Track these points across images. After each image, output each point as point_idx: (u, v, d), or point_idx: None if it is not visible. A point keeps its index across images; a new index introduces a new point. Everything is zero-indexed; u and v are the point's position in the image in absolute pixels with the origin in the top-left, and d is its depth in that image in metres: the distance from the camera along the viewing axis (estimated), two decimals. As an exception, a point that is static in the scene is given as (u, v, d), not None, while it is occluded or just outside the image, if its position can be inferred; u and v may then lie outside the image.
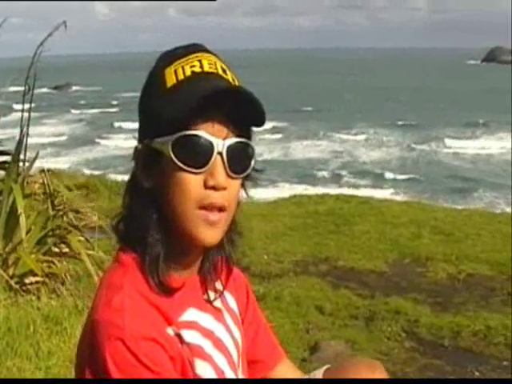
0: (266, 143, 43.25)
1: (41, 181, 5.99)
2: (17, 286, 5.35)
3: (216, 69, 1.29)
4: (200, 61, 1.28)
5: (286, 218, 9.49)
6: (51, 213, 5.78)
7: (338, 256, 7.68)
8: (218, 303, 1.48)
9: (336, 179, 32.46)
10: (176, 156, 1.24)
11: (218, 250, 1.45)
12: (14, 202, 5.53)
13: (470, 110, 53.54)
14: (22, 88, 5.79)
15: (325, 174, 34.04)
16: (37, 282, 5.42)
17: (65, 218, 5.85)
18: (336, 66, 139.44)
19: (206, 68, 1.27)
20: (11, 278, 5.42)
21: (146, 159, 1.28)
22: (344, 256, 7.68)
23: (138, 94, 1.33)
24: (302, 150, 41.92)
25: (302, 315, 6.18)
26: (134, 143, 1.32)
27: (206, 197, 1.27)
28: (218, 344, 1.41)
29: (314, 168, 35.69)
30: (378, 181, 31.46)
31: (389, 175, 32.84)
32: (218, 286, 1.51)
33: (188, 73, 1.26)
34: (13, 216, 5.57)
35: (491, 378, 4.79)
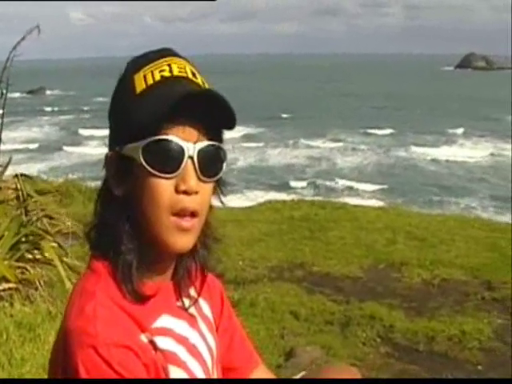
0: (241, 149, 43.31)
1: (14, 186, 5.94)
2: (-10, 293, 5.29)
3: (185, 72, 1.27)
4: (169, 65, 1.27)
5: (261, 223, 9.48)
6: (24, 219, 5.72)
7: (313, 262, 7.68)
8: (192, 310, 1.47)
9: (312, 186, 32.55)
10: (147, 161, 1.22)
11: (192, 255, 1.43)
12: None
13: (446, 116, 54.05)
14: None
15: (301, 181, 34.10)
16: (10, 289, 5.35)
17: (38, 224, 5.80)
18: (312, 71, 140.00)
19: (176, 72, 1.26)
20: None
21: (117, 166, 1.27)
22: (319, 262, 7.68)
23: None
24: (278, 156, 41.99)
25: (276, 321, 6.17)
26: (104, 150, 1.31)
27: (178, 202, 1.25)
28: (193, 351, 1.40)
29: (291, 175, 35.75)
30: (354, 187, 31.61)
31: (365, 181, 33.00)
32: (192, 292, 1.50)
33: (157, 77, 1.25)
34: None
35: (491, 378, 4.82)
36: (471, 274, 7.16)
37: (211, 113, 1.25)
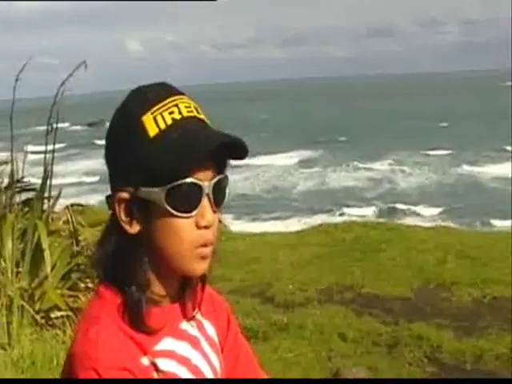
0: (299, 174, 43.35)
1: (65, 217, 6.16)
2: (42, 321, 5.50)
3: (192, 111, 1.34)
4: (177, 105, 1.33)
5: (313, 247, 9.54)
6: (75, 248, 5.93)
7: (363, 283, 7.70)
8: (195, 332, 1.51)
9: (373, 208, 32.20)
10: (169, 204, 1.28)
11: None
12: (39, 238, 5.70)
13: (507, 133, 52.91)
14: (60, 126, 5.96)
15: (362, 203, 33.79)
16: (62, 317, 5.54)
17: (89, 253, 5.98)
18: (368, 93, 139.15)
19: (185, 113, 1.32)
20: (37, 313, 5.57)
21: (131, 207, 1.32)
22: (369, 283, 7.69)
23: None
24: (337, 179, 41.77)
25: (324, 343, 6.22)
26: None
27: (200, 237, 1.31)
28: (195, 371, 1.45)
29: (351, 198, 35.49)
30: (416, 209, 31.14)
31: (427, 202, 32.51)
32: (196, 315, 1.57)
33: (169, 121, 1.30)
34: (38, 252, 5.74)
35: (491, 378, 4.78)
36: (522, 292, 7.07)
37: (226, 152, 1.33)
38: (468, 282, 7.47)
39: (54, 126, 6.01)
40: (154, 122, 1.30)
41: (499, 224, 24.31)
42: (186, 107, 1.34)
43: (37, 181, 6.24)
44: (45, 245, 5.53)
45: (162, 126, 1.30)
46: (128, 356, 1.29)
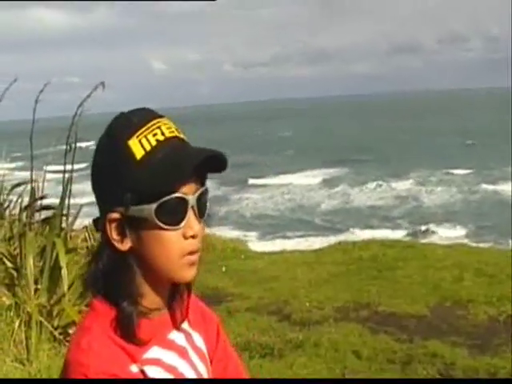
0: (324, 192, 43.27)
1: (83, 236, 6.28)
2: (60, 337, 5.61)
3: (174, 131, 1.44)
4: (159, 127, 1.42)
5: (330, 265, 9.59)
6: (93, 266, 6.02)
7: (379, 301, 7.73)
8: (182, 342, 1.59)
9: (398, 227, 31.95)
10: (159, 219, 1.37)
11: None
12: (57, 256, 5.83)
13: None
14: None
15: (386, 221, 33.57)
16: (80, 333, 5.63)
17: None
18: (391, 110, 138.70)
19: (167, 133, 1.42)
20: (55, 328, 5.69)
21: (122, 226, 1.41)
22: (385, 301, 7.72)
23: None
24: (362, 198, 41.58)
25: (339, 361, 6.26)
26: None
27: (187, 246, 1.41)
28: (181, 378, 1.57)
29: (375, 216, 35.31)
30: (442, 228, 30.88)
31: (453, 220, 32.27)
32: (185, 326, 1.66)
33: (153, 142, 1.40)
34: (56, 270, 5.87)
35: (491, 378, 4.79)
36: (539, 310, 7.06)
37: (207, 166, 1.42)
38: (484, 299, 7.48)
39: (73, 145, 6.13)
40: (139, 145, 1.40)
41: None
42: (168, 128, 1.43)
43: (56, 200, 6.37)
44: (63, 262, 5.65)
45: (148, 147, 1.39)
46: (117, 363, 1.38)
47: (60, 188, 6.19)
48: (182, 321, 1.58)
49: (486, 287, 7.91)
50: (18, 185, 7.21)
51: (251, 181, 48.09)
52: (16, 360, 5.46)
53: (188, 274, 1.44)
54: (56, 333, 5.61)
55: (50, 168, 6.69)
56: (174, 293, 1.55)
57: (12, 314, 5.78)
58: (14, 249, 6.07)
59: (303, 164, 53.41)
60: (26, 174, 6.91)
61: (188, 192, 1.40)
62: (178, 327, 1.57)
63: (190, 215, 1.41)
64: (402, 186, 44.42)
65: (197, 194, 1.42)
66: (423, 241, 16.87)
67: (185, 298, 1.60)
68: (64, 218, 6.27)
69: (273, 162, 57.62)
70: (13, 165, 30.95)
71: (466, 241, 23.83)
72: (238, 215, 36.75)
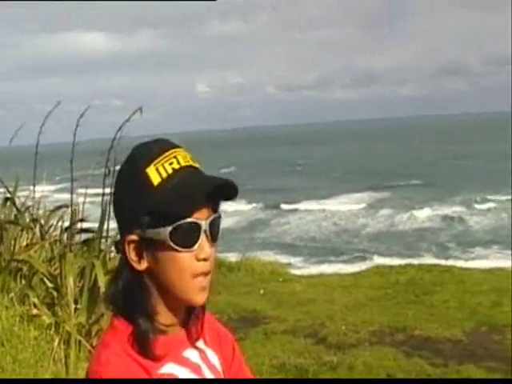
0: (369, 215, 42.91)
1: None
2: (99, 356, 5.74)
3: (189, 161, 1.55)
4: (175, 157, 1.53)
5: (367, 288, 9.61)
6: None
7: (415, 325, 7.74)
8: (197, 359, 1.65)
9: (443, 250, 31.46)
10: (173, 241, 1.47)
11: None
12: (96, 276, 5.99)
13: None
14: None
15: (432, 245, 33.05)
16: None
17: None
18: (437, 133, 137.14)
19: (182, 163, 1.53)
20: (94, 348, 5.83)
21: (139, 247, 1.50)
22: (421, 325, 7.72)
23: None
24: (408, 221, 41.08)
25: (372, 384, 6.28)
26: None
27: (199, 268, 1.51)
28: None
29: (422, 240, 34.79)
30: (489, 251, 30.33)
31: (500, 243, 31.68)
32: (200, 344, 1.76)
33: (169, 170, 1.50)
34: (95, 290, 6.03)
35: (491, 378, 4.75)
36: None
37: (219, 193, 1.52)
38: (521, 325, 7.42)
39: (112, 168, 6.30)
40: (156, 173, 1.51)
41: None
42: (183, 158, 1.54)
43: (96, 223, 6.54)
44: (101, 283, 5.80)
45: (164, 175, 1.51)
46: (133, 377, 1.48)
47: (98, 210, 6.36)
48: (198, 339, 1.65)
49: (523, 312, 7.84)
50: (60, 207, 7.42)
51: (294, 205, 47.92)
52: (55, 378, 5.61)
53: (199, 298, 1.53)
54: (94, 351, 5.75)
55: (91, 191, 6.89)
56: (190, 312, 1.63)
57: (52, 332, 5.94)
58: (55, 269, 6.25)
59: (348, 188, 53.17)
60: (67, 197, 7.10)
61: (201, 217, 1.50)
62: (192, 345, 1.64)
63: (203, 239, 1.50)
64: (449, 209, 43.81)
65: (210, 220, 1.52)
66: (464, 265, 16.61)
67: (200, 317, 1.70)
68: (103, 240, 6.44)
69: (318, 185, 57.46)
70: (53, 187, 31.51)
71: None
72: (281, 239, 36.68)
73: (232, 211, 43.80)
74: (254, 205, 49.03)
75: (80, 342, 5.86)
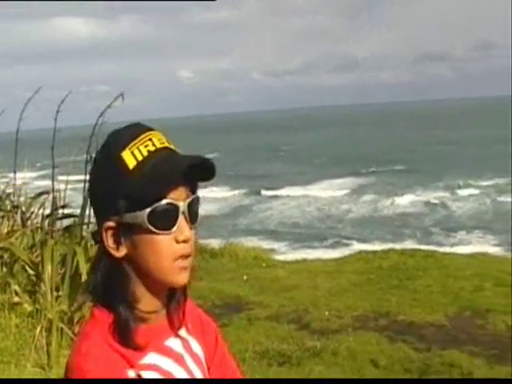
0: (352, 201, 43.04)
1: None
2: (80, 343, 5.70)
3: (164, 143, 1.52)
4: (150, 139, 1.50)
5: (351, 274, 9.62)
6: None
7: (399, 311, 7.76)
8: (179, 349, 1.62)
9: (425, 235, 31.62)
10: (152, 224, 1.44)
11: (181, 288, 1.68)
12: (78, 264, 5.94)
13: None
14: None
15: (418, 230, 33.17)
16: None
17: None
18: (419, 119, 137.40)
19: (158, 145, 1.49)
20: (76, 335, 5.79)
21: (117, 233, 1.47)
22: (404, 310, 7.74)
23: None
24: (391, 206, 41.24)
25: (356, 369, 6.29)
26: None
27: (179, 250, 1.48)
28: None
29: (405, 225, 34.95)
30: (475, 237, 30.52)
31: (483, 228, 31.89)
32: (183, 333, 1.73)
33: (144, 153, 1.47)
34: (77, 277, 5.98)
35: (491, 378, 4.78)
36: (559, 320, 7.03)
37: (196, 173, 1.50)
38: (503, 309, 7.45)
39: (94, 154, 6.23)
40: (132, 156, 1.48)
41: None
42: (159, 140, 1.51)
43: (78, 209, 6.47)
44: (83, 270, 5.75)
45: (139, 157, 1.47)
46: (115, 368, 1.44)
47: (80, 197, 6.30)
48: (180, 327, 1.62)
49: (506, 297, 7.87)
50: (41, 194, 7.35)
51: (278, 191, 47.97)
52: (37, 365, 5.57)
53: (180, 279, 1.50)
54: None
55: (72, 177, 6.81)
56: (171, 298, 1.60)
57: (33, 320, 5.90)
58: (36, 256, 6.19)
59: (332, 173, 53.24)
60: (48, 183, 7.03)
61: (178, 198, 1.47)
62: (175, 333, 1.61)
63: (181, 221, 1.47)
64: (433, 194, 44.02)
65: (188, 201, 1.49)
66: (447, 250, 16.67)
67: (181, 304, 1.67)
68: (85, 227, 6.38)
69: (303, 170, 57.52)
70: (34, 174, 31.37)
71: (498, 249, 23.63)
72: (264, 225, 36.74)
73: (215, 197, 43.90)
74: (237, 191, 49.07)
75: (62, 329, 5.83)
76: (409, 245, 22.13)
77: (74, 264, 6.02)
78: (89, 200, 1.57)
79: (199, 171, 1.50)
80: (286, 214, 40.44)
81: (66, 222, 6.60)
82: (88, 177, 1.59)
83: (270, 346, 6.84)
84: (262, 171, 58.11)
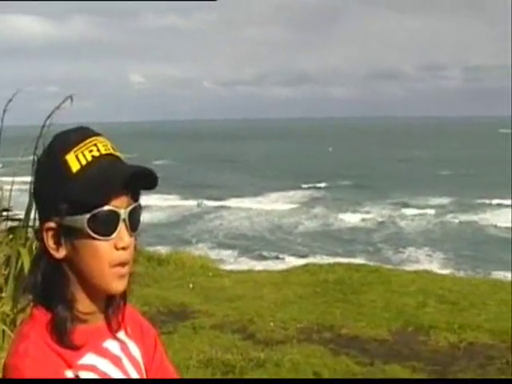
0: (303, 214, 43.28)
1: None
2: (21, 347, 5.57)
3: (109, 149, 1.53)
4: (96, 145, 1.51)
5: (297, 286, 9.64)
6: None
7: (343, 324, 7.79)
8: (117, 351, 1.65)
9: (374, 252, 31.92)
10: (91, 229, 1.46)
11: (120, 294, 1.66)
12: (22, 265, 5.82)
13: (507, 181, 52.79)
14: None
15: (367, 246, 33.52)
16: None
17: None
18: (369, 135, 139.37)
19: (102, 151, 1.51)
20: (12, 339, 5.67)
21: (57, 234, 1.49)
22: (348, 324, 7.78)
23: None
24: (340, 222, 41.57)
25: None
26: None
27: (117, 257, 1.49)
28: None
29: (355, 240, 35.28)
30: (422, 254, 30.93)
31: (432, 246, 32.41)
32: (121, 335, 1.72)
33: (89, 157, 1.49)
34: (21, 279, 5.85)
35: (491, 378, 4.83)
36: (499, 338, 7.15)
37: (138, 181, 1.51)
38: (445, 326, 7.56)
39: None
40: (76, 160, 1.48)
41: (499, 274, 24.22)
42: (104, 146, 1.52)
43: (23, 210, 6.35)
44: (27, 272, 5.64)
45: (83, 162, 1.48)
46: (52, 368, 1.45)
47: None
48: (118, 329, 1.65)
49: (448, 314, 8.00)
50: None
51: (227, 202, 48.01)
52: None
53: (117, 286, 1.52)
54: (17, 342, 5.58)
55: (18, 179, 6.67)
56: (110, 301, 1.61)
57: (-27, 322, 5.76)
58: (-22, 257, 6.05)
59: (283, 185, 53.55)
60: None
61: (120, 206, 1.48)
62: (113, 336, 1.63)
63: (122, 228, 1.49)
64: (381, 210, 44.58)
65: (129, 209, 1.50)
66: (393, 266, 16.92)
67: (121, 307, 1.67)
68: (30, 229, 6.26)
69: (253, 181, 57.73)
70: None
71: (443, 267, 23.99)
72: (213, 235, 36.71)
73: (165, 206, 43.77)
74: (187, 201, 49.02)
75: (4, 331, 5.69)
76: (357, 260, 22.37)
77: (19, 265, 5.90)
78: (33, 198, 1.57)
79: (142, 180, 1.51)
80: (234, 224, 40.54)
81: (11, 224, 6.46)
82: (34, 177, 1.58)
83: (214, 355, 6.81)
84: (213, 181, 58.17)
